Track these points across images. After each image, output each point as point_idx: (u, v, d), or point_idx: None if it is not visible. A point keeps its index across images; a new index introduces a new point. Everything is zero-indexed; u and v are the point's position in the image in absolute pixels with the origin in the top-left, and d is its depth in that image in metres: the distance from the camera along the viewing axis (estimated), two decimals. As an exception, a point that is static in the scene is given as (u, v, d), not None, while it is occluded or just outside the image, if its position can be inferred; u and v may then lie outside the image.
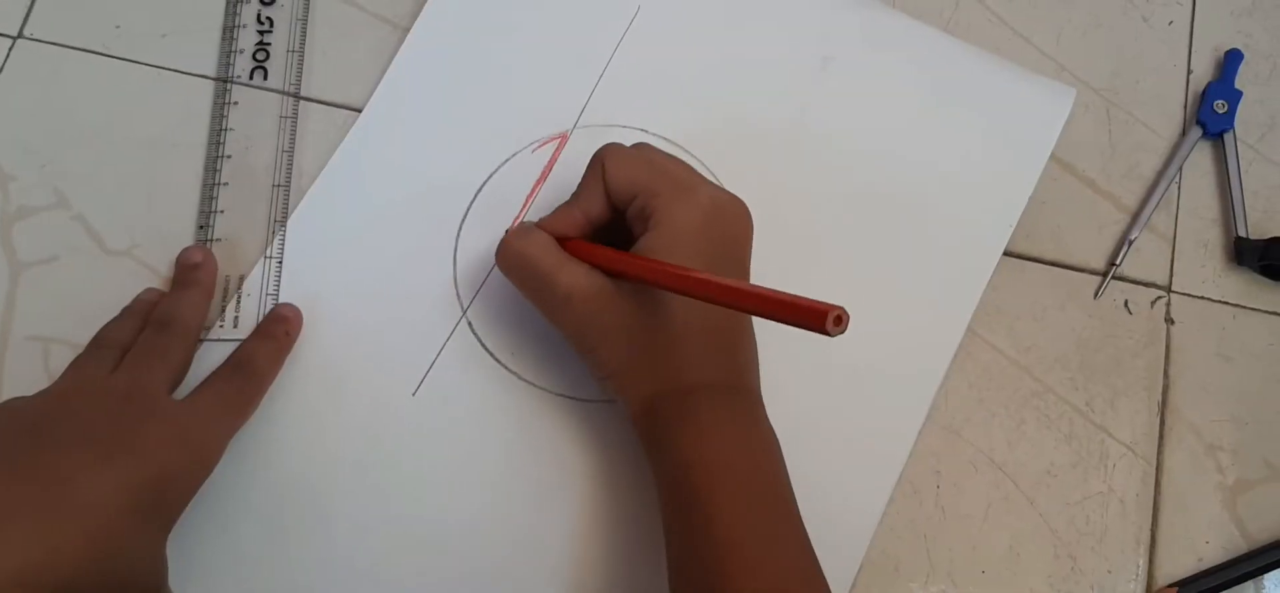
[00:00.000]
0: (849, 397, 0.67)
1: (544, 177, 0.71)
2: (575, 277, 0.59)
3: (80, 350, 0.65)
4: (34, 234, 0.70)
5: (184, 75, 0.74)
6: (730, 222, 0.60)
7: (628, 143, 0.64)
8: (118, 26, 0.75)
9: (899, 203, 0.71)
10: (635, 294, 0.58)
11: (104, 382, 0.58)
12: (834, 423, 0.66)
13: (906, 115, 0.72)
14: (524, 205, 0.70)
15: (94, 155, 0.72)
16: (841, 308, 0.45)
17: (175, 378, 0.61)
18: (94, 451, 0.54)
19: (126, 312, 0.66)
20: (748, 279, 0.61)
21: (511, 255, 0.61)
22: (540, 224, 0.63)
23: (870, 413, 0.66)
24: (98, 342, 0.63)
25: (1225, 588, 0.64)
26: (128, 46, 0.74)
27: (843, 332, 0.46)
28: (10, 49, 0.74)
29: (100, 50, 0.74)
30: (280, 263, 0.69)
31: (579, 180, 0.63)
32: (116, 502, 0.53)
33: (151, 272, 0.69)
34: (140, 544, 0.54)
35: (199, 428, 0.58)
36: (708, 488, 0.55)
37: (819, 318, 0.46)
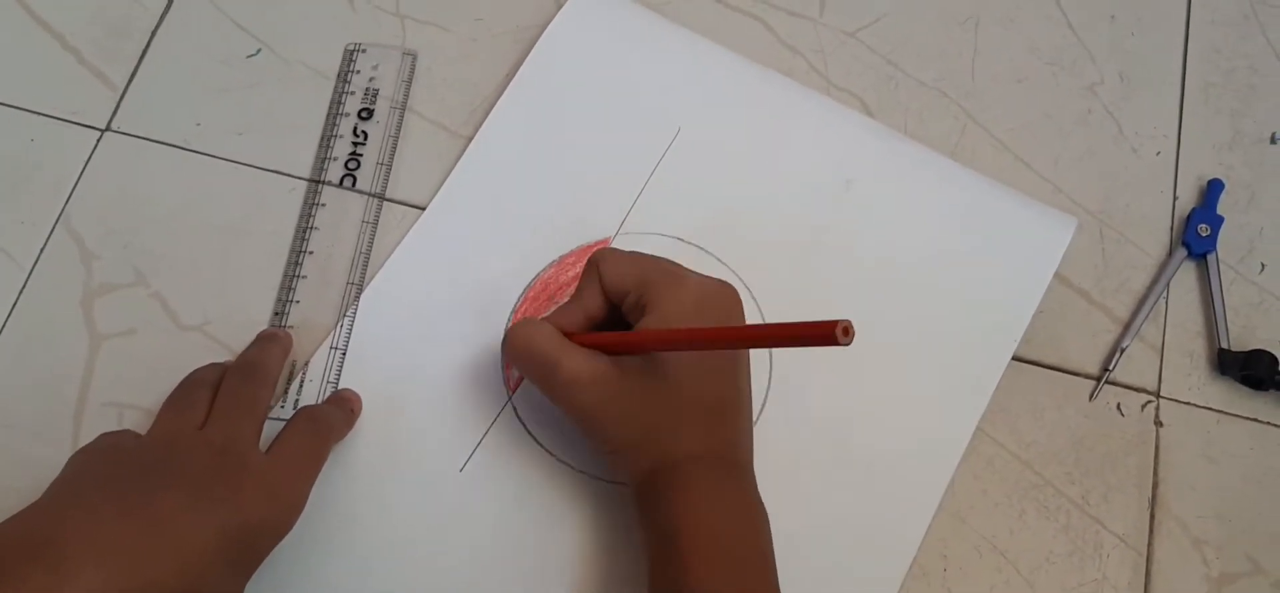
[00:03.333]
0: (866, 489, 0.67)
1: (586, 276, 0.72)
2: (578, 362, 0.59)
3: (151, 417, 0.65)
4: (114, 308, 0.71)
5: (258, 170, 0.76)
6: (720, 305, 0.61)
7: (662, 248, 0.67)
8: (198, 124, 0.77)
9: (915, 313, 0.72)
10: (636, 375, 0.59)
11: (202, 435, 0.59)
12: (851, 511, 0.67)
13: (923, 235, 0.73)
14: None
15: (172, 239, 0.73)
16: (848, 320, 0.45)
17: (260, 430, 0.61)
18: (194, 496, 0.55)
19: (214, 364, 0.67)
20: (745, 362, 0.62)
21: (518, 344, 0.62)
22: (545, 319, 0.64)
23: (885, 503, 0.67)
24: (191, 382, 0.64)
25: (1211, 672, 0.64)
26: (207, 142, 0.76)
27: (851, 342, 0.45)
28: (98, 140, 0.76)
29: (181, 144, 0.76)
30: (344, 354, 0.70)
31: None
32: (210, 546, 0.54)
33: (222, 347, 0.70)
34: (228, 587, 0.56)
35: (287, 482, 0.59)
36: (691, 551, 0.55)
37: (827, 332, 0.45)
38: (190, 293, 0.72)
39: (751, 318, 0.69)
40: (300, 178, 0.75)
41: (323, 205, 0.74)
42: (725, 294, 0.62)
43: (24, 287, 0.71)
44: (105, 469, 0.57)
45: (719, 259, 0.73)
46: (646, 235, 0.73)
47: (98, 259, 0.72)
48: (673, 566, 0.55)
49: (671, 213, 0.74)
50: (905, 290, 0.72)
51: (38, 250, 0.72)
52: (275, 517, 0.58)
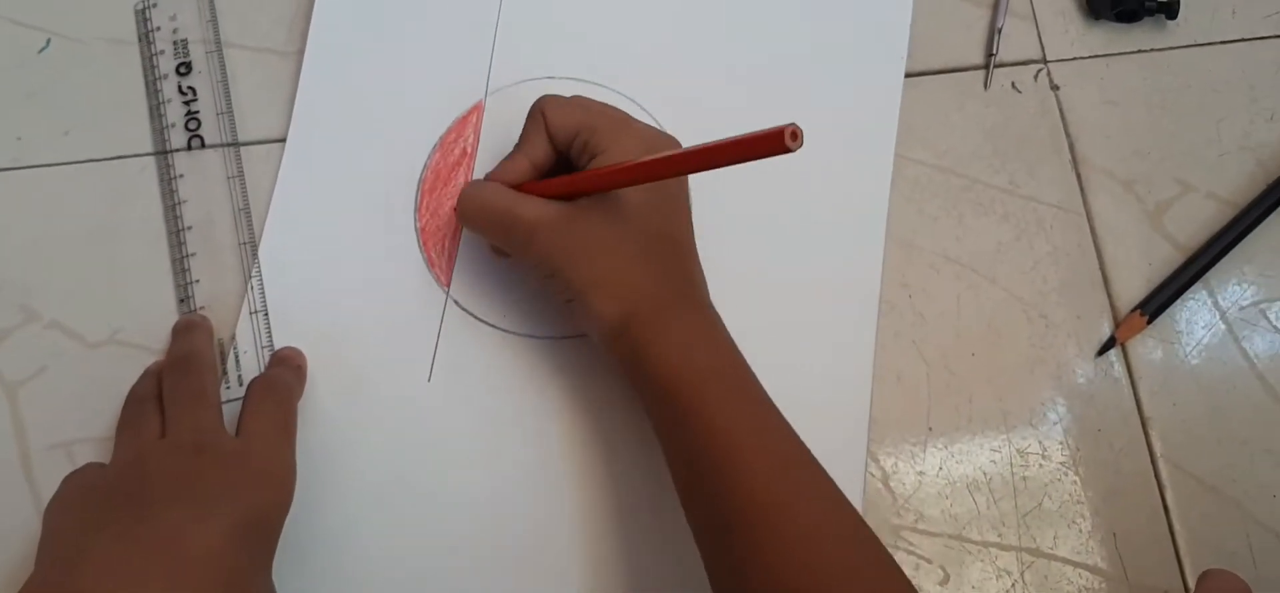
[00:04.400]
0: (812, 257, 0.70)
1: (474, 148, 0.72)
2: (536, 207, 0.60)
3: (102, 444, 0.65)
4: (15, 353, 0.68)
5: (100, 163, 0.72)
6: (665, 149, 0.61)
7: (537, 91, 0.65)
8: (19, 138, 0.72)
9: (802, 68, 0.74)
10: (594, 214, 0.60)
11: (168, 443, 0.58)
12: (806, 283, 0.69)
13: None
14: (465, 178, 0.71)
15: (44, 263, 0.70)
16: (794, 124, 0.46)
17: (221, 417, 0.60)
18: (192, 505, 0.54)
19: (145, 372, 0.65)
20: (688, 203, 0.64)
21: (471, 205, 0.63)
22: (490, 176, 0.64)
23: (835, 260, 0.69)
24: (133, 400, 0.62)
25: (1179, 295, 0.69)
26: (36, 153, 0.72)
27: (800, 146, 0.46)
28: (-79, 190, 0.71)
29: (11, 165, 0.72)
30: (266, 315, 0.68)
31: (519, 134, 0.64)
32: (226, 548, 0.53)
33: (141, 350, 0.68)
34: (257, 582, 0.56)
35: (271, 456, 0.59)
36: (698, 395, 0.57)
37: (777, 140, 0.46)
38: (86, 310, 0.69)
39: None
40: (145, 154, 0.72)
41: (181, 176, 0.71)
42: (669, 140, 0.63)
43: (-95, 365, 0.68)
44: (90, 511, 0.55)
45: (592, 83, 0.73)
46: (518, 85, 0.73)
47: (-25, 311, 0.69)
48: (679, 411, 0.57)
49: (533, 52, 0.73)
50: (785, 48, 0.74)
51: (-95, 320, 0.68)
52: (272, 494, 0.58)
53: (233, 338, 0.68)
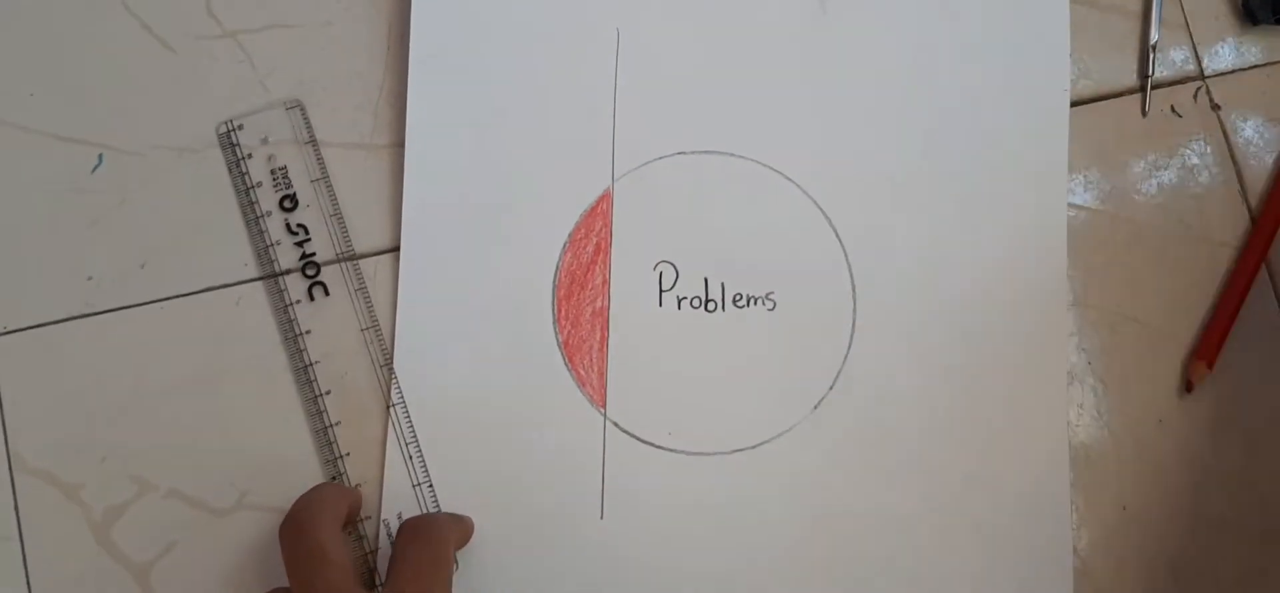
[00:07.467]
0: (998, 322, 0.71)
1: (608, 242, 0.71)
2: None
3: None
4: (135, 530, 0.67)
5: (190, 297, 0.70)
6: None
7: (668, 168, 0.70)
8: (90, 278, 0.70)
9: (955, 110, 0.74)
10: None
11: None
12: (995, 345, 0.71)
13: (923, 22, 0.75)
14: (603, 278, 0.71)
15: (147, 423, 0.68)
16: None
17: (348, 570, 0.59)
18: None
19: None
20: None
21: None
22: None
23: (1017, 324, 0.71)
24: None
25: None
26: (111, 294, 0.70)
27: None
28: (-12, 353, 0.69)
29: (85, 312, 0.70)
30: (431, 486, 0.68)
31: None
32: None
33: (273, 512, 0.68)
34: None
35: None
36: None
37: None
38: (205, 472, 0.68)
39: (785, 194, 0.72)
40: (241, 283, 0.71)
41: (308, 333, 0.70)
42: None
43: (24, 558, 0.67)
44: None
45: (734, 154, 0.73)
46: (646, 166, 0.72)
47: (83, 488, 0.68)
48: None
49: (658, 127, 0.73)
50: (935, 97, 0.74)
51: (13, 511, 0.68)
52: None
53: (401, 515, 0.68)
